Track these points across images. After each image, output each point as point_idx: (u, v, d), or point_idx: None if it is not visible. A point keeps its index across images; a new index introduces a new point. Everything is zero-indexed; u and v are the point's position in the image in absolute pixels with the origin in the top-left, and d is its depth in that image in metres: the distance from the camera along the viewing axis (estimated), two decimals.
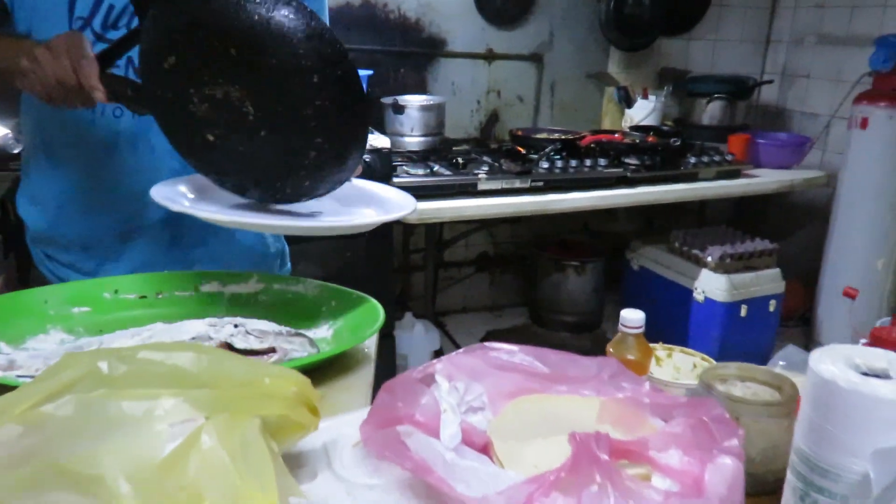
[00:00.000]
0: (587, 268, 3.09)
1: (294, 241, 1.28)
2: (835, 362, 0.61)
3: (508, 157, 2.61)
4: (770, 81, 3.47)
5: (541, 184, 2.47)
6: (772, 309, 2.79)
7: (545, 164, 2.52)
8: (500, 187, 2.43)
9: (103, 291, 0.91)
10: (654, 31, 3.35)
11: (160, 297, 0.93)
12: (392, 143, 2.39)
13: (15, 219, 1.15)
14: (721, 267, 2.72)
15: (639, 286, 3.13)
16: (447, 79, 3.11)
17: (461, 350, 0.65)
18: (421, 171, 2.39)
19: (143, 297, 0.92)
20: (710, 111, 3.27)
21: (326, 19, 1.16)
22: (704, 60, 3.53)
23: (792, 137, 3.17)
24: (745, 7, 3.53)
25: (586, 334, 3.16)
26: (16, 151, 2.03)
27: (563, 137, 2.78)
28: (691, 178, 2.72)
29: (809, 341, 3.01)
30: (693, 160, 2.76)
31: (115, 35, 0.93)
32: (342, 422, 0.62)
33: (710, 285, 2.72)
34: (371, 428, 0.56)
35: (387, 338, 2.45)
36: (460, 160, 2.51)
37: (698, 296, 2.76)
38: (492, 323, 3.35)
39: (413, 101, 2.67)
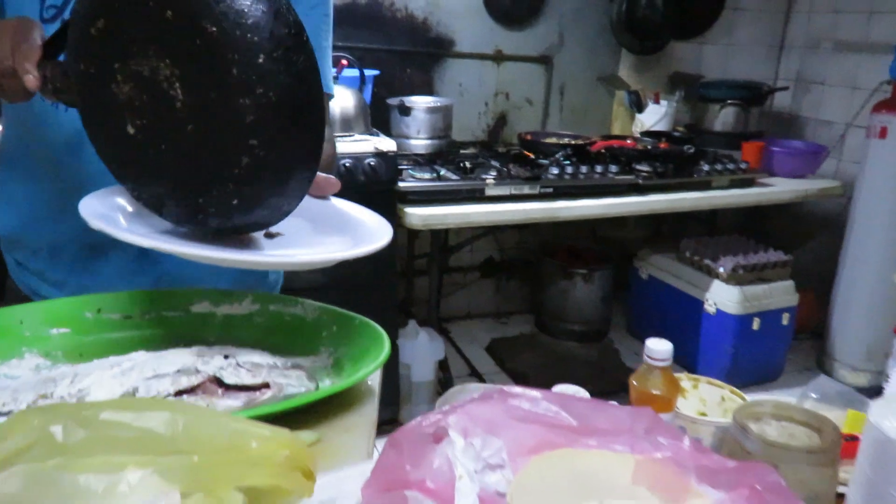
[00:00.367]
0: (595, 276, 3.01)
1: None
2: None
3: (517, 162, 2.54)
4: (785, 88, 3.39)
5: (550, 190, 2.40)
6: (785, 322, 2.72)
7: (555, 170, 2.45)
8: (508, 193, 2.36)
9: (85, 310, 0.83)
10: (667, 35, 3.27)
11: (147, 317, 0.85)
12: (398, 146, 2.32)
13: None
14: (733, 278, 2.65)
15: (647, 296, 3.06)
16: (454, 80, 3.04)
17: (476, 396, 0.58)
18: (427, 175, 2.32)
19: (129, 316, 0.85)
20: (723, 117, 3.20)
21: (330, 36, 1.10)
22: (717, 65, 3.46)
23: (807, 145, 3.09)
24: (759, 11, 3.45)
25: (593, 344, 3.08)
26: None
27: (573, 143, 2.71)
28: (704, 186, 2.65)
29: (822, 355, 2.94)
30: (706, 168, 2.69)
31: None
32: (342, 477, 0.55)
33: (722, 297, 2.65)
34: (374, 491, 0.49)
35: None
36: (467, 164, 2.44)
37: (709, 307, 2.69)
38: (497, 330, 3.28)
39: (420, 102, 2.60)
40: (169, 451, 0.40)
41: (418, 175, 2.32)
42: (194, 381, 0.66)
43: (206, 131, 0.65)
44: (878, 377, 2.76)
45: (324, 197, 0.84)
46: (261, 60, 0.61)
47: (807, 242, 3.30)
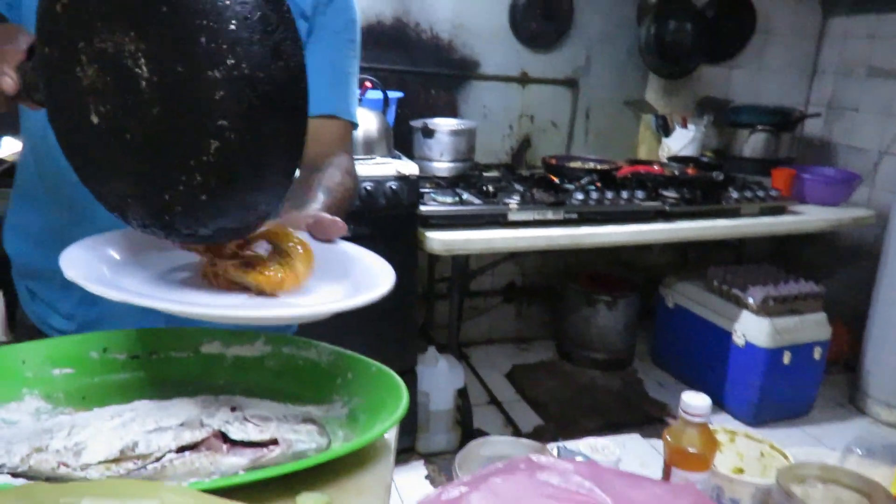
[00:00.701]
0: (619, 303, 2.95)
1: None
2: None
3: (541, 187, 2.49)
4: (817, 114, 3.32)
5: (575, 216, 2.35)
6: (817, 357, 2.63)
7: (579, 196, 2.40)
8: (531, 218, 2.31)
9: (90, 350, 0.80)
10: (696, 59, 3.22)
11: (154, 357, 0.81)
12: (420, 168, 2.28)
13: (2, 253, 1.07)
14: (764, 309, 2.56)
15: (673, 325, 2.98)
16: (478, 102, 3.01)
17: (501, 466, 0.53)
18: (449, 199, 2.28)
19: (135, 356, 0.81)
20: (753, 143, 3.13)
21: (356, 63, 1.07)
22: (747, 90, 3.39)
23: (839, 173, 3.01)
24: (790, 36, 3.38)
25: (616, 373, 3.01)
26: None
27: (598, 168, 2.66)
28: (733, 213, 2.58)
29: (855, 391, 2.83)
30: (736, 195, 2.62)
31: None
32: None
33: (752, 329, 2.56)
34: None
35: (408, 373, 2.33)
36: (490, 188, 2.40)
37: (738, 339, 2.61)
38: (518, 357, 3.21)
39: (443, 124, 2.57)
40: None
41: (440, 199, 2.28)
42: (198, 436, 0.62)
43: (172, 113, 0.58)
44: None
45: (329, 240, 0.80)
46: (232, 26, 0.55)
47: (838, 273, 3.21)
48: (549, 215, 2.32)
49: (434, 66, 2.89)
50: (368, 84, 2.48)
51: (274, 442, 0.63)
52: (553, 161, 2.75)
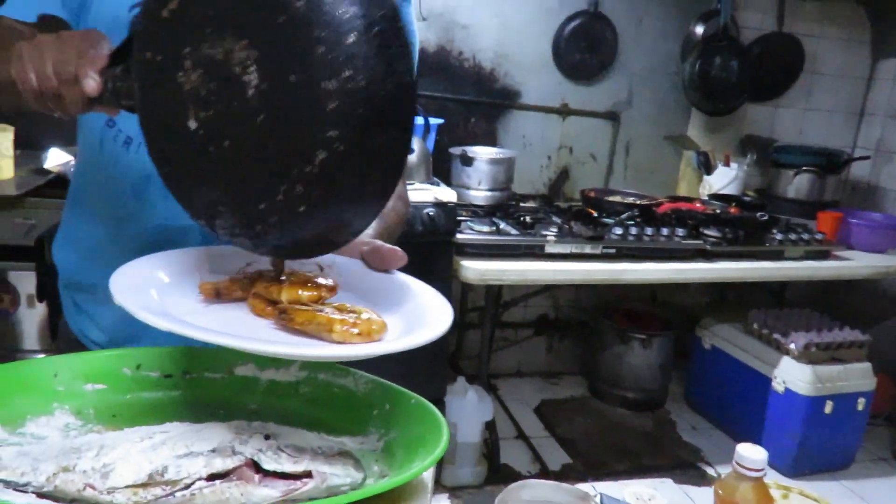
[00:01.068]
0: (654, 341, 2.88)
1: None
2: None
3: (579, 220, 2.45)
4: (866, 157, 3.24)
5: (613, 251, 2.31)
6: (860, 408, 2.53)
7: (618, 230, 2.36)
8: (568, 251, 2.27)
9: (123, 366, 0.78)
10: (740, 96, 3.17)
11: (187, 377, 0.79)
12: (457, 196, 2.27)
13: (49, 261, 1.07)
14: (805, 356, 2.48)
15: (709, 367, 2.90)
16: (518, 132, 2.99)
17: None
18: (486, 228, 2.26)
19: (168, 376, 0.79)
20: (797, 184, 3.06)
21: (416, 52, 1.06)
22: (792, 130, 3.33)
23: (887, 218, 2.92)
24: (839, 77, 3.32)
25: (648, 413, 2.93)
26: None
27: (638, 203, 2.61)
28: (776, 256, 2.51)
29: None
30: (780, 236, 2.56)
31: None
32: None
33: (793, 375, 2.48)
34: None
35: (437, 403, 2.28)
36: (528, 219, 2.37)
37: (778, 385, 2.52)
38: (547, 391, 3.15)
39: (482, 153, 2.56)
40: None
41: (477, 227, 2.25)
42: (230, 464, 0.59)
43: (279, 121, 0.58)
44: None
45: (386, 270, 0.77)
46: (351, 40, 0.55)
47: (884, 321, 3.10)
48: (587, 249, 2.29)
49: (475, 95, 2.89)
50: None
51: (308, 474, 0.60)
52: (592, 194, 2.71)
